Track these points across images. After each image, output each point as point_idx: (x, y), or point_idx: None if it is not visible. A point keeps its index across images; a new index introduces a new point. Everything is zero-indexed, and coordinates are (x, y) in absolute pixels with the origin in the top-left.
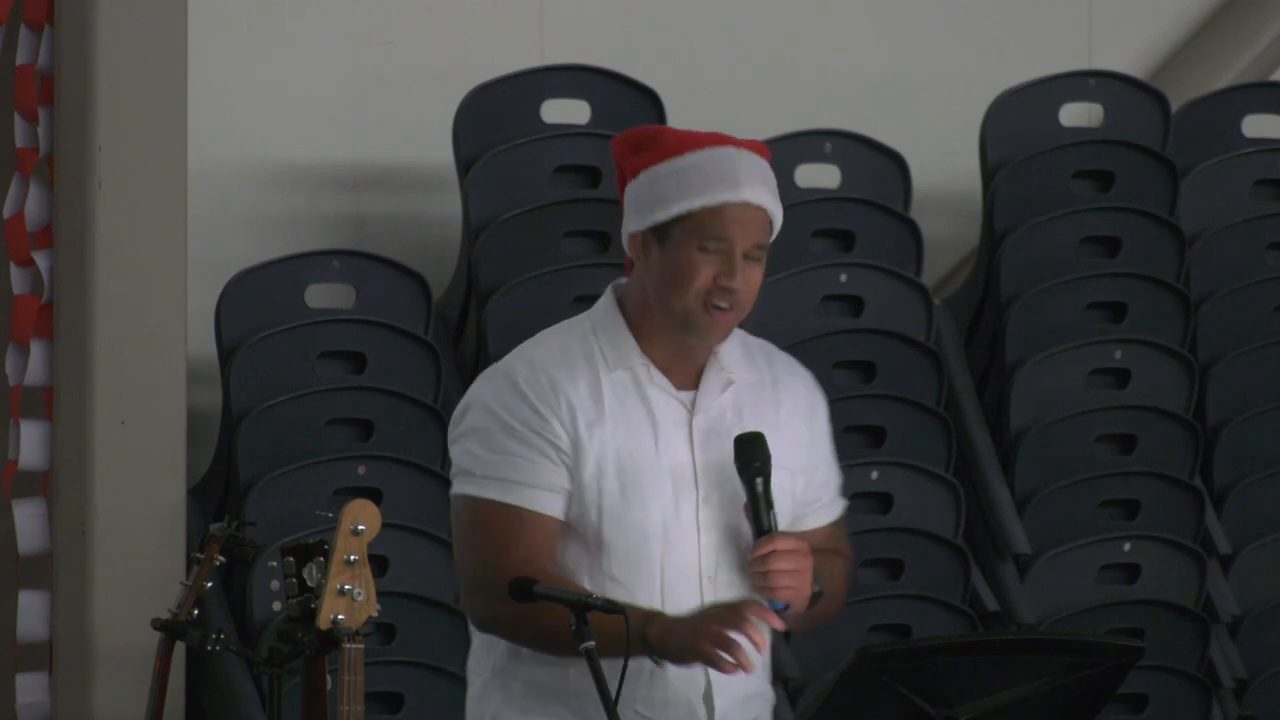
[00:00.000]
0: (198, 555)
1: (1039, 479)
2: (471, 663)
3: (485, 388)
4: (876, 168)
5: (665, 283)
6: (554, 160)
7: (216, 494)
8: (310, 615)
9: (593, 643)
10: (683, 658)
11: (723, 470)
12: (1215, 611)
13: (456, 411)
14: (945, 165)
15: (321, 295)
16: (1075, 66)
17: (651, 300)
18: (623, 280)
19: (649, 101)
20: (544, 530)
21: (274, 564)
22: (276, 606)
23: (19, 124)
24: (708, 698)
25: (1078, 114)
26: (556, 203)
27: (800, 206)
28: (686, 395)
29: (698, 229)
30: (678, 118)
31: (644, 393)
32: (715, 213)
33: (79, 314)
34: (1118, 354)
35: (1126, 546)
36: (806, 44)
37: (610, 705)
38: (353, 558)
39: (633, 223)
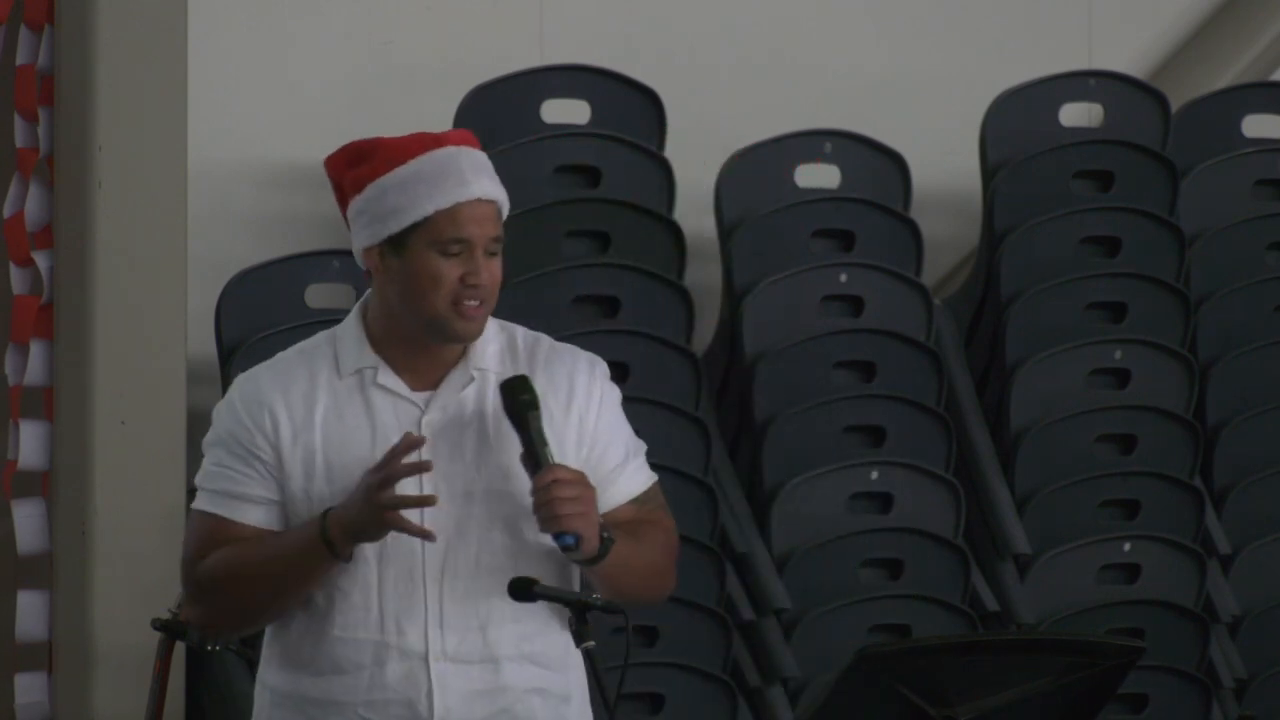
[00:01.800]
0: None
1: (1039, 479)
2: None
3: (221, 402)
4: (876, 168)
5: (411, 292)
6: (554, 160)
7: None
8: None
9: (592, 643)
10: (364, 530)
11: (459, 465)
12: (1215, 611)
13: None
14: (945, 165)
15: (321, 295)
16: (1075, 66)
17: (396, 310)
18: (369, 292)
19: (649, 101)
20: (240, 536)
21: None
22: None
23: (19, 124)
24: (429, 697)
25: (1078, 114)
26: (556, 203)
27: (800, 206)
28: (423, 396)
29: (435, 234)
30: (678, 118)
31: (366, 396)
32: (449, 215)
33: (79, 314)
34: (1118, 354)
35: (1126, 546)
36: (806, 44)
37: (610, 705)
38: None
39: (364, 237)
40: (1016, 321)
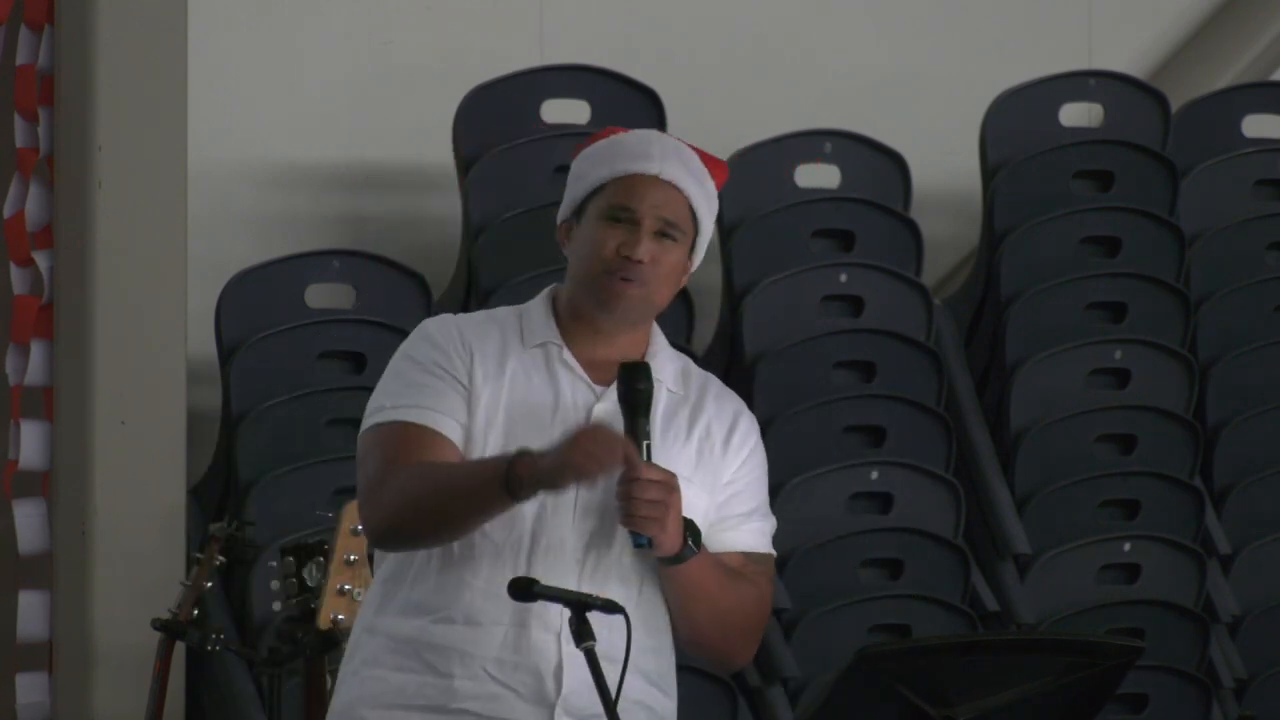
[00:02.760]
0: (198, 555)
1: (1039, 479)
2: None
3: (404, 344)
4: (876, 168)
5: (577, 259)
6: (554, 160)
7: (216, 494)
8: (310, 615)
9: (593, 643)
10: (554, 475)
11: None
12: (1215, 611)
13: None
14: (945, 165)
15: (321, 295)
16: (1075, 66)
17: (570, 284)
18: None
19: (649, 101)
20: (446, 448)
21: (274, 564)
22: (276, 606)
23: (19, 124)
24: (558, 673)
25: (1078, 114)
26: (556, 202)
27: (800, 206)
28: (600, 388)
29: (605, 200)
30: (678, 118)
31: (552, 369)
32: (621, 183)
33: (79, 314)
34: (1118, 354)
35: (1126, 546)
36: (807, 44)
37: (610, 705)
38: (353, 557)
39: (561, 214)
40: (1016, 321)
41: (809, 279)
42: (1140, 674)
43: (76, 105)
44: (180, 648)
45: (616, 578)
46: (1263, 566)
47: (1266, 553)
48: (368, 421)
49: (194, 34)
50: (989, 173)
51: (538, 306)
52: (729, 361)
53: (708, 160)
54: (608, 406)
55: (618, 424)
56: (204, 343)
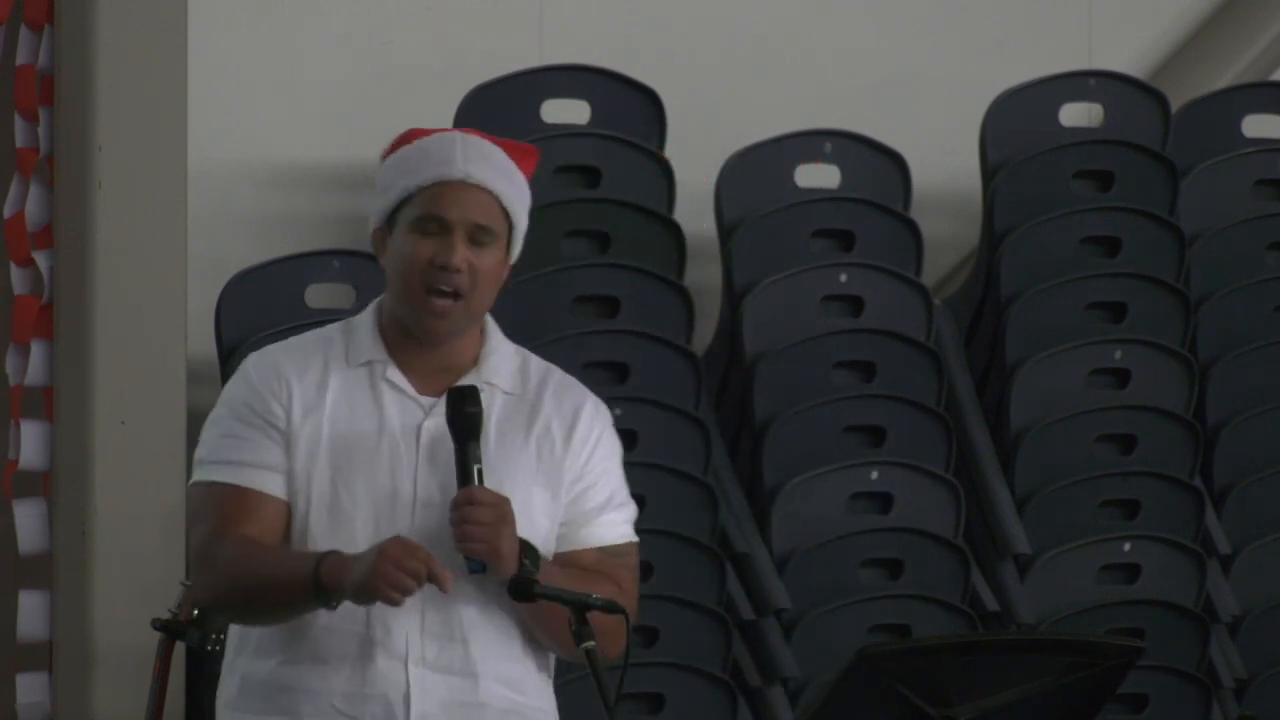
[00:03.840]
0: None
1: (1039, 479)
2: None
3: (228, 386)
4: (876, 168)
5: (393, 272)
6: (554, 160)
7: None
8: None
9: (593, 643)
10: (357, 593)
11: (449, 475)
12: (1215, 611)
13: None
14: (945, 165)
15: (321, 295)
16: (1075, 66)
17: (390, 298)
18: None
19: (649, 101)
20: (267, 508)
21: None
22: None
23: (19, 124)
24: (406, 699)
25: (1078, 114)
26: (556, 203)
27: (800, 206)
28: (429, 400)
29: (415, 212)
30: (678, 118)
31: (375, 389)
32: (430, 192)
33: (79, 314)
34: (1118, 354)
35: (1126, 546)
36: (807, 44)
37: (610, 705)
38: None
39: (372, 221)
40: (1016, 321)
41: (809, 279)
42: (1140, 674)
43: (76, 105)
44: (180, 648)
45: (462, 600)
46: (1263, 566)
47: (1266, 553)
48: (194, 473)
49: (194, 34)
50: (989, 173)
51: (364, 322)
52: (729, 361)
53: (514, 150)
54: (439, 423)
55: (448, 439)
56: (204, 343)
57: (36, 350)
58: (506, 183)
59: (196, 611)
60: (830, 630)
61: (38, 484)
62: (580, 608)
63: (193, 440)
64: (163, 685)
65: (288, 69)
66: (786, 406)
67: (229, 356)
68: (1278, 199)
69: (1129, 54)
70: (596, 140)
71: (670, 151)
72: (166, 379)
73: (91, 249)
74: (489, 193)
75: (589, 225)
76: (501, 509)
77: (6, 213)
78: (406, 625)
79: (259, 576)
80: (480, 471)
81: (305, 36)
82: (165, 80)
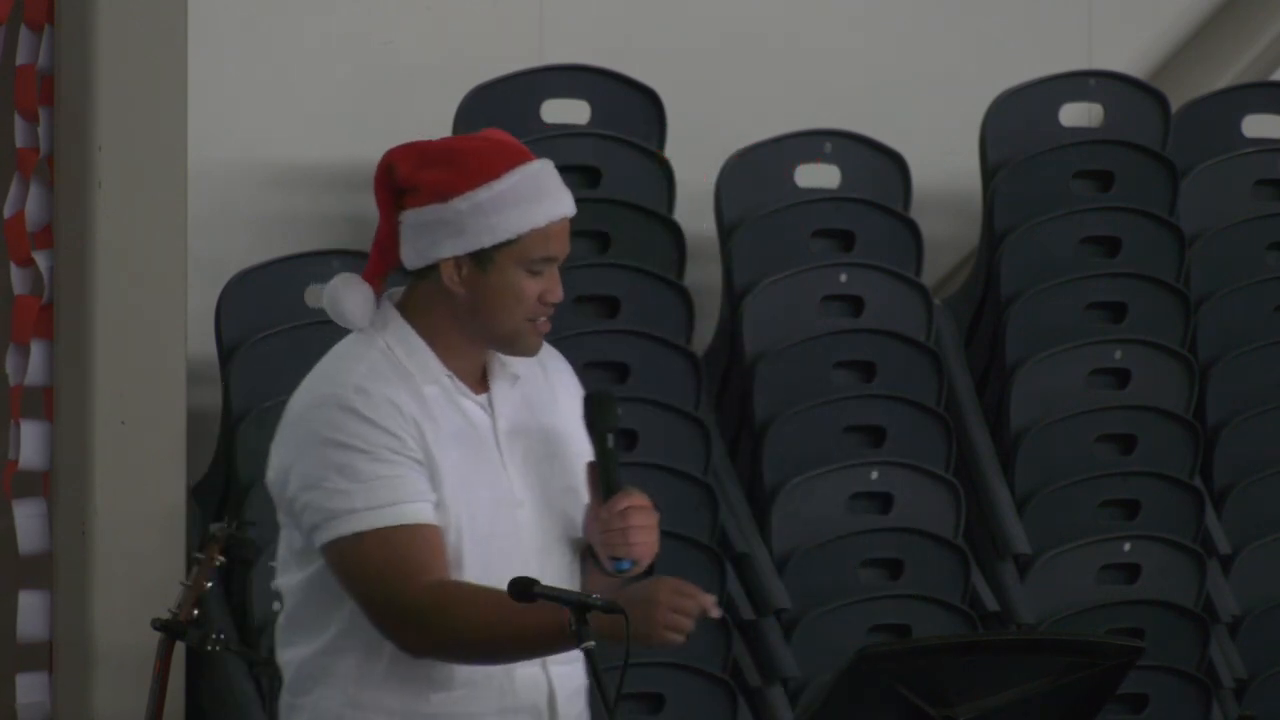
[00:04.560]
0: (198, 555)
1: (1039, 479)
2: (294, 698)
3: (318, 422)
4: (876, 168)
5: (491, 306)
6: (554, 160)
7: (216, 494)
8: None
9: (593, 643)
10: (641, 642)
11: (530, 471)
12: (1215, 611)
13: (276, 470)
14: (945, 165)
15: (321, 295)
16: (1075, 66)
17: (464, 320)
18: (394, 291)
19: (649, 101)
20: (431, 541)
21: (274, 564)
22: (276, 606)
23: (19, 124)
24: (551, 701)
25: (1078, 114)
26: None
27: (800, 206)
28: (482, 398)
29: (526, 253)
30: (678, 118)
31: (456, 403)
32: (542, 234)
33: (79, 314)
34: (1118, 354)
35: (1126, 546)
36: (807, 44)
37: (610, 705)
38: None
39: (445, 247)
40: (1016, 321)
41: (809, 279)
42: (1140, 674)
43: (76, 105)
44: (180, 648)
45: (561, 581)
46: (1263, 566)
47: (1266, 553)
48: (338, 527)
49: (194, 34)
50: (989, 173)
51: (403, 337)
52: (729, 361)
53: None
54: (503, 424)
55: (517, 428)
56: (204, 343)
57: (36, 350)
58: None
59: (196, 612)
60: (830, 630)
61: (38, 484)
62: (580, 608)
63: (193, 440)
64: (163, 685)
65: (288, 69)
66: (786, 406)
67: (229, 356)
68: (1278, 199)
69: (1129, 54)
70: (596, 140)
71: (670, 151)
72: (166, 379)
73: (91, 249)
74: (568, 219)
75: (589, 225)
76: (651, 510)
77: (6, 213)
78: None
79: (507, 634)
80: (618, 470)
81: (305, 36)
82: (165, 80)
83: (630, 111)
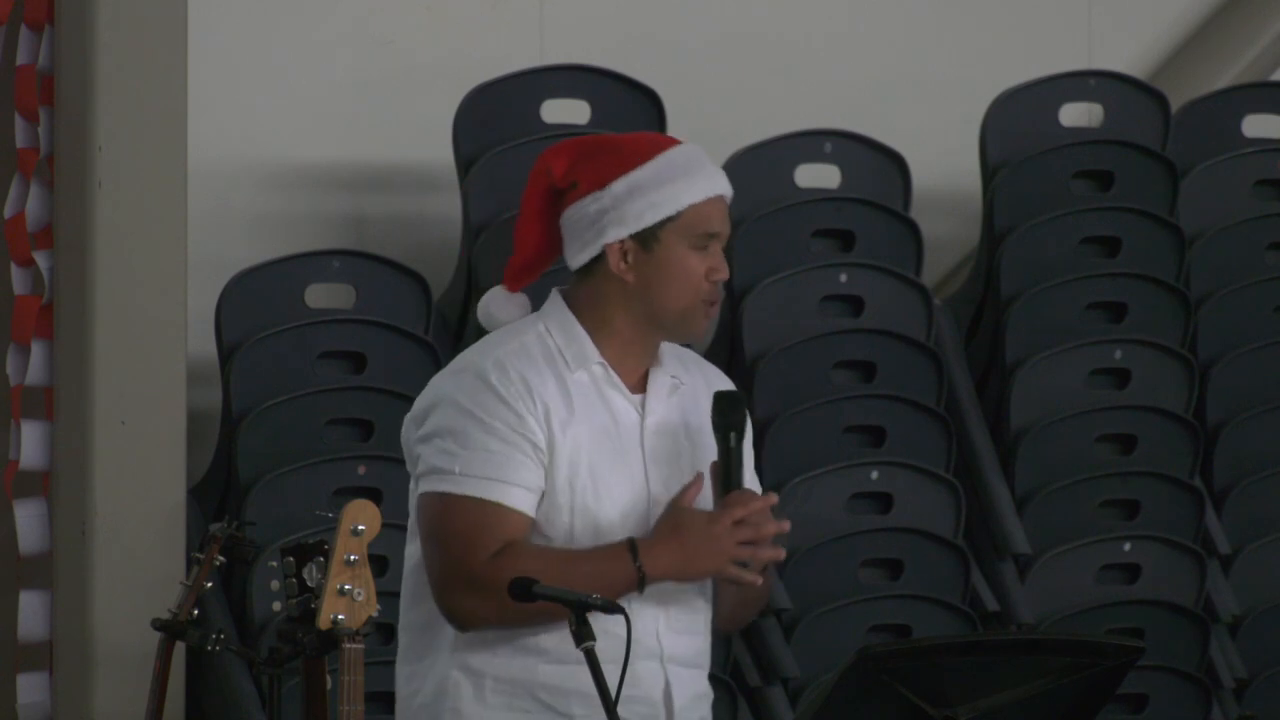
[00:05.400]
0: (198, 555)
1: (1039, 479)
2: (411, 666)
3: (453, 385)
4: (876, 168)
5: (661, 285)
6: None
7: (216, 494)
8: (310, 615)
9: (593, 643)
10: (701, 572)
11: (670, 473)
12: (1215, 611)
13: (417, 409)
14: (945, 165)
15: (321, 295)
16: (1075, 66)
17: (636, 305)
18: (562, 287)
19: (649, 101)
20: (515, 526)
21: (274, 564)
22: (276, 606)
23: (19, 124)
24: (668, 697)
25: (1078, 114)
26: None
27: (800, 206)
28: (636, 398)
29: (689, 227)
30: (678, 118)
31: (604, 394)
32: (701, 209)
33: (79, 314)
34: (1118, 354)
35: (1126, 546)
36: (807, 44)
37: (610, 706)
38: (353, 558)
39: (610, 232)
40: (1016, 321)
41: (809, 279)
42: (1140, 674)
43: (76, 105)
44: (180, 648)
45: (698, 595)
46: (1263, 566)
47: (1266, 553)
48: (434, 482)
49: (194, 34)
50: (989, 173)
51: (563, 323)
52: (729, 361)
53: None
54: (652, 421)
55: (665, 431)
56: (204, 343)
57: (36, 350)
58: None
59: (196, 612)
60: (830, 630)
61: (38, 484)
62: (580, 608)
63: (193, 440)
64: (163, 685)
65: (288, 69)
66: (786, 406)
67: (229, 356)
68: (1278, 199)
69: (1129, 54)
70: None
71: None
72: (166, 379)
73: (91, 249)
74: (729, 199)
75: None
76: (767, 506)
77: (7, 213)
78: (656, 623)
79: (562, 581)
80: (744, 475)
81: (305, 36)
82: (165, 80)
83: (630, 111)
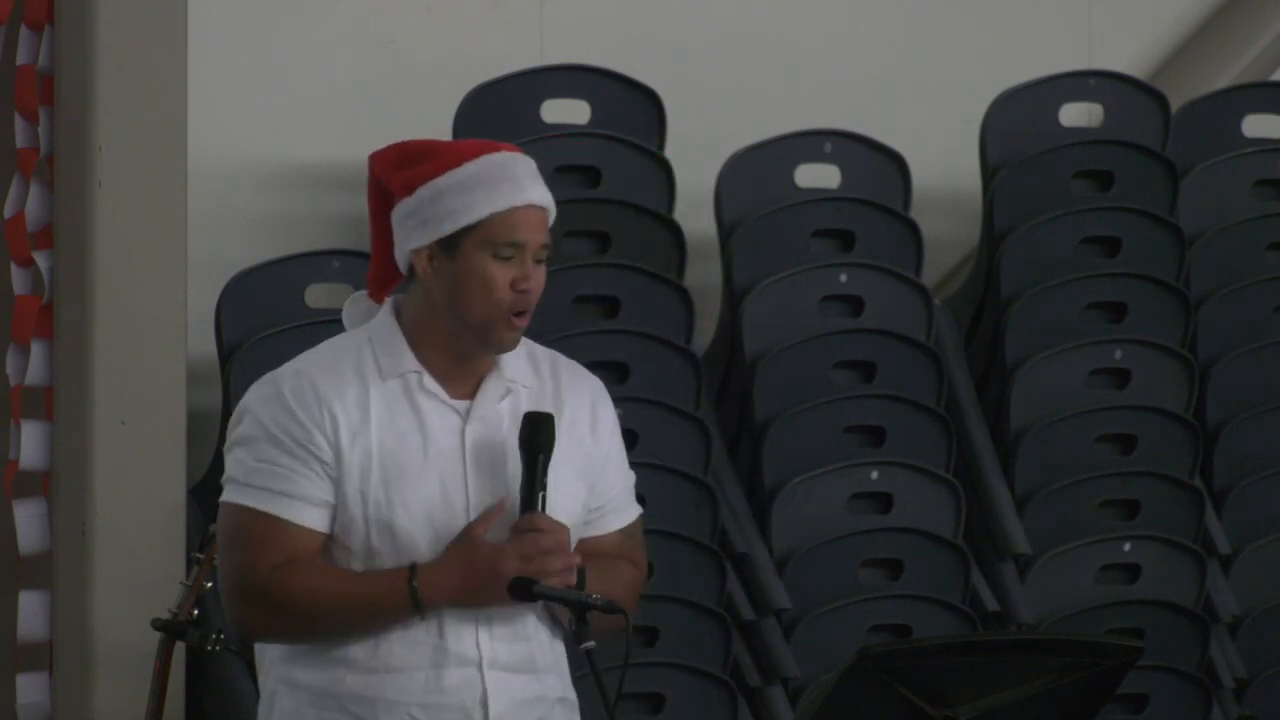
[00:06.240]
0: (198, 555)
1: (1039, 479)
2: (260, 674)
3: (256, 395)
4: (876, 168)
5: (462, 294)
6: (554, 160)
7: (216, 494)
8: None
9: (593, 643)
10: (481, 599)
11: (495, 483)
12: (1215, 611)
13: (232, 418)
14: (945, 165)
15: (321, 295)
16: (1075, 66)
17: (441, 314)
18: (399, 294)
19: (649, 101)
20: (300, 541)
21: None
22: None
23: (19, 124)
24: (484, 702)
25: (1078, 114)
26: (557, 202)
27: (800, 206)
28: (462, 404)
29: (490, 237)
30: (678, 118)
31: (414, 401)
32: (505, 218)
33: (79, 314)
34: (1118, 354)
35: (1126, 546)
36: (807, 44)
37: (610, 706)
38: None
39: (415, 239)
40: (1016, 321)
41: (809, 279)
42: (1140, 674)
43: (76, 105)
44: (180, 648)
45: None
46: (1263, 566)
47: (1266, 553)
48: (227, 492)
49: (194, 34)
50: (989, 173)
51: (387, 333)
52: (729, 361)
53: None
54: (476, 428)
55: (495, 438)
56: (204, 343)
57: (36, 350)
58: (550, 198)
59: (196, 612)
60: (830, 630)
61: (38, 484)
62: (580, 608)
63: (193, 440)
64: (163, 685)
65: (288, 69)
66: (786, 406)
67: (229, 356)
68: (1278, 199)
69: (1129, 54)
70: (596, 140)
71: (670, 151)
72: (166, 379)
73: (91, 249)
74: (546, 211)
75: (589, 225)
76: (560, 536)
77: (7, 213)
78: (475, 630)
79: (338, 600)
80: (544, 498)
81: (305, 36)
82: (165, 80)
83: (630, 111)
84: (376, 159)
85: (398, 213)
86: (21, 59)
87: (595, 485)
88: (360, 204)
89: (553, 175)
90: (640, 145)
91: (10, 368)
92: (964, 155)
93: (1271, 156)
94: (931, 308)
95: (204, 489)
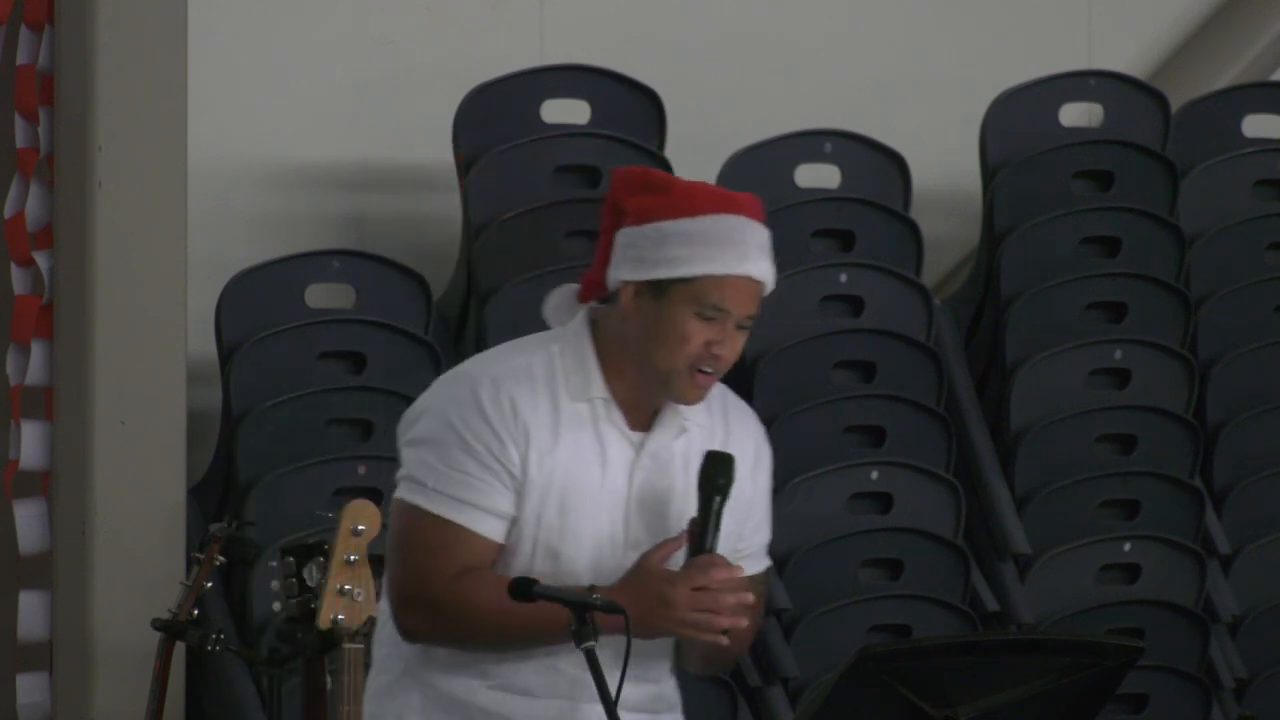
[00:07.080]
0: (198, 555)
1: (1039, 479)
2: (379, 656)
3: (445, 395)
4: (876, 168)
5: (655, 338)
6: (554, 160)
7: (216, 494)
8: (310, 615)
9: (593, 643)
10: (653, 632)
11: (654, 519)
12: (1215, 611)
13: (412, 410)
14: (945, 165)
15: (321, 295)
16: (1075, 66)
17: (633, 348)
18: (601, 305)
19: (649, 101)
20: (480, 552)
21: (274, 564)
22: (276, 606)
23: (19, 124)
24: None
25: (1078, 114)
26: (556, 202)
27: (800, 206)
28: (638, 436)
29: (698, 295)
30: (678, 118)
31: (599, 429)
32: (718, 282)
33: (79, 314)
34: (1118, 354)
35: (1126, 546)
36: (807, 44)
37: (610, 705)
38: (353, 558)
39: (627, 270)
40: (1016, 321)
41: (809, 279)
42: (1140, 674)
43: (76, 105)
44: (180, 648)
45: (657, 645)
46: (1263, 566)
47: (1266, 553)
48: (407, 491)
49: (194, 34)
50: (989, 173)
51: (578, 348)
52: None
53: (759, 208)
54: (647, 463)
55: (663, 476)
56: (204, 343)
57: (36, 350)
58: (772, 270)
59: (196, 612)
60: (830, 630)
61: (38, 484)
62: (580, 608)
63: (193, 440)
64: (163, 685)
65: (288, 68)
66: (786, 406)
67: (229, 356)
68: (1278, 199)
69: (1129, 54)
70: (596, 140)
71: (670, 151)
72: (166, 379)
73: (91, 249)
74: (762, 284)
75: (589, 225)
76: (736, 574)
77: (7, 213)
78: (612, 669)
79: (513, 624)
80: (717, 539)
81: (306, 36)
82: (165, 80)
83: (630, 111)
84: (619, 176)
85: (622, 237)
86: (21, 59)
87: (743, 528)
88: (360, 204)
89: (552, 175)
90: (640, 145)
91: (10, 368)
92: (964, 155)
93: (1271, 156)
94: (931, 308)
95: (204, 489)
